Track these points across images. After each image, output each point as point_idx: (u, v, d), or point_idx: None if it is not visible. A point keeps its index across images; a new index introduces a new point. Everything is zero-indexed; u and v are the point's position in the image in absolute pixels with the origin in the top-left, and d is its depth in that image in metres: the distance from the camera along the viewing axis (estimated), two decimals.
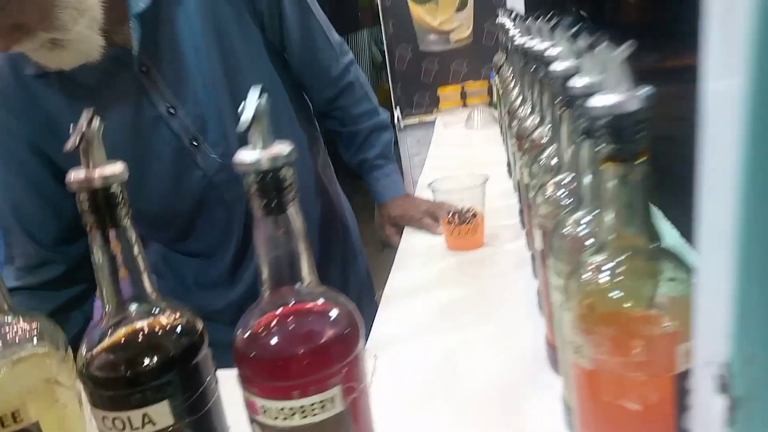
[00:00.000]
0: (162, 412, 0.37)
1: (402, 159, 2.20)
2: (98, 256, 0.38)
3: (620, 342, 0.36)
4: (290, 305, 0.37)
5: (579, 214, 0.44)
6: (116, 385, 0.36)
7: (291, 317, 0.37)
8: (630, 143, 0.34)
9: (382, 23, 2.19)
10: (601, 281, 0.37)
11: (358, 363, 0.38)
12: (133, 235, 0.39)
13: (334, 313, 0.38)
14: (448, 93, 2.14)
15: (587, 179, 0.42)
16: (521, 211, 0.95)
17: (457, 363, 0.63)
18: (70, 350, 0.42)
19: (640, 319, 0.36)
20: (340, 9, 2.52)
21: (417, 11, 2.17)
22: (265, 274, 0.37)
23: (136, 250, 0.39)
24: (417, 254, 0.95)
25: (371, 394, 0.58)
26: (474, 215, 0.89)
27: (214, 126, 0.81)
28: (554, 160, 0.61)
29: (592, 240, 0.42)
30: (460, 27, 2.18)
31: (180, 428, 0.38)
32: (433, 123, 2.07)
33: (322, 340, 0.36)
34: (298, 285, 0.37)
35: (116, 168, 0.37)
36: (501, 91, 1.24)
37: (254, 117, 0.33)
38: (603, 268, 0.37)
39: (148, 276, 0.40)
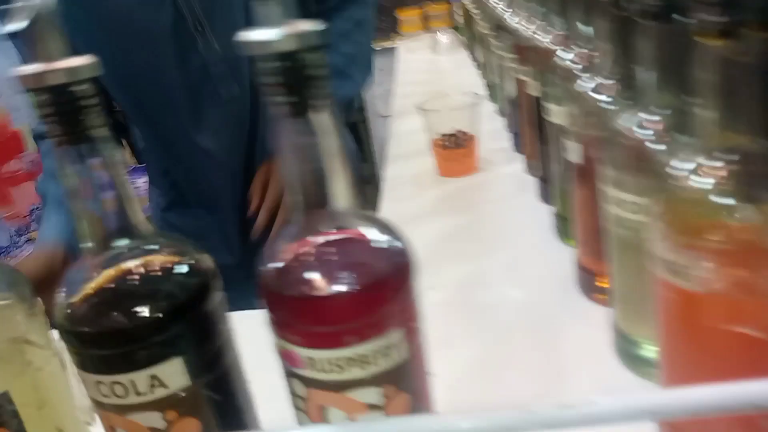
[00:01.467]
0: (174, 372, 0.29)
1: None
2: (71, 179, 0.29)
3: (740, 257, 0.30)
4: (330, 231, 0.29)
5: (642, 115, 0.38)
6: (113, 340, 0.28)
7: (333, 245, 0.29)
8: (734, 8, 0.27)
9: None
10: (705, 187, 0.31)
11: (417, 298, 0.31)
12: (114, 149, 0.29)
13: (382, 238, 0.31)
14: (408, 17, 2.01)
15: (653, 70, 0.35)
16: (516, 134, 0.89)
17: (475, 297, 0.57)
18: (39, 301, 0.33)
19: (759, 229, 0.30)
20: None
21: None
22: (292, 192, 0.29)
23: (120, 168, 0.30)
24: (406, 182, 0.88)
25: None
26: (469, 138, 0.82)
27: (222, 15, 0.78)
28: (578, 64, 0.54)
29: (664, 142, 0.36)
30: None
31: (197, 390, 0.30)
32: (393, 49, 1.96)
33: (378, 271, 0.29)
34: (336, 207, 0.29)
35: (85, 60, 0.28)
36: (477, 9, 1.15)
37: None
38: (705, 172, 0.30)
39: (136, 202, 0.31)
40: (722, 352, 0.32)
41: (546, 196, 0.72)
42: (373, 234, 0.30)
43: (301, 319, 0.28)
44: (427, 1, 2.04)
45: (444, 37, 1.72)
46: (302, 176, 0.29)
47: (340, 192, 0.29)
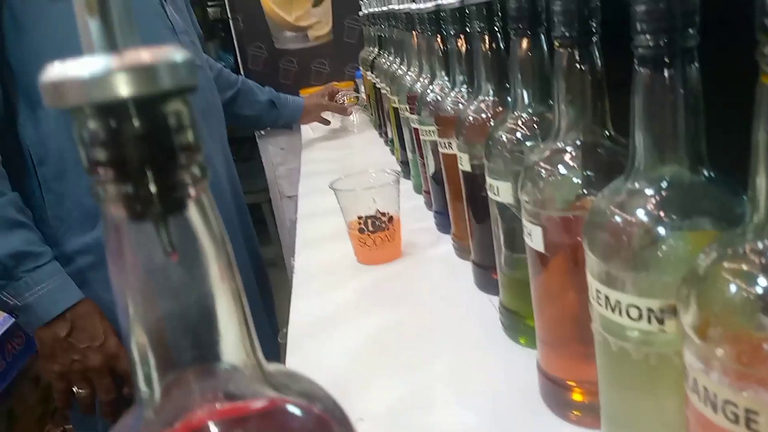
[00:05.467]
0: None
1: (266, 170, 1.97)
2: None
3: None
4: (213, 407, 0.17)
5: (634, 186, 0.29)
6: None
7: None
8: None
9: (230, 18, 1.95)
10: None
11: None
12: None
13: (301, 409, 0.18)
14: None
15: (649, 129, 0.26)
16: (439, 212, 0.80)
17: (416, 424, 0.45)
18: None
19: None
20: None
21: (269, 5, 1.96)
22: (140, 347, 0.16)
23: None
24: (318, 274, 0.76)
25: None
26: (390, 219, 0.72)
27: None
28: (524, 130, 0.46)
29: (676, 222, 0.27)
30: (319, 24, 2.00)
31: None
32: (297, 128, 1.87)
33: None
34: (224, 364, 0.17)
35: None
36: (387, 83, 1.09)
37: None
38: None
39: None
40: None
41: (484, 283, 0.63)
42: (284, 412, 0.18)
43: None
44: (331, 80, 2.00)
45: (351, 115, 1.66)
46: (161, 316, 0.16)
47: (230, 338, 0.17)
